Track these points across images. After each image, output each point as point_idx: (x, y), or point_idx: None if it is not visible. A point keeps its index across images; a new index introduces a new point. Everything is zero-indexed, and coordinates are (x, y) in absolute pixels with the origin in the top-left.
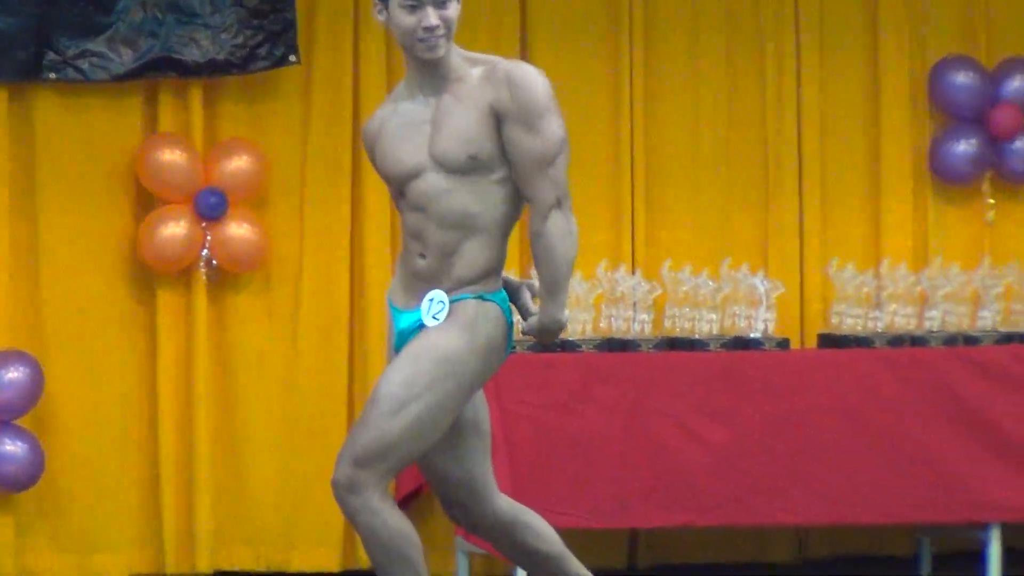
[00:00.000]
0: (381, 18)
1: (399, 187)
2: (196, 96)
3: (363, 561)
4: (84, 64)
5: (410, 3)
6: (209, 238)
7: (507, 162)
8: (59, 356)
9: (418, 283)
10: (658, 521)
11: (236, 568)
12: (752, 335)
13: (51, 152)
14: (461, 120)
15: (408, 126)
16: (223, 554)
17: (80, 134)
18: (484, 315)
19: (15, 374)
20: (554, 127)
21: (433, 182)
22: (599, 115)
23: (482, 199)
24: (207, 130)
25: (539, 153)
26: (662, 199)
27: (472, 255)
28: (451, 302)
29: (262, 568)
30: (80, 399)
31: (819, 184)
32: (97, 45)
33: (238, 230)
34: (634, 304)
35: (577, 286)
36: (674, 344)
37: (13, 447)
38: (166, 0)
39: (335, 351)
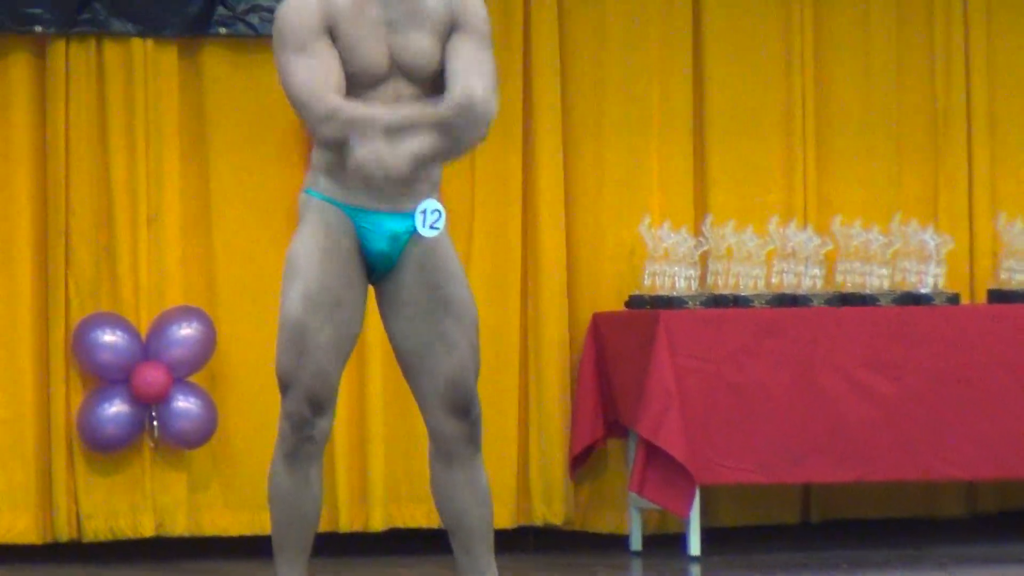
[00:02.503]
0: None
1: (362, 84)
2: None
3: (536, 516)
4: (254, 19)
5: None
6: None
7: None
8: (231, 312)
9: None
10: (828, 476)
11: (410, 525)
12: (922, 290)
13: (221, 107)
14: (424, 38)
15: (365, 22)
16: (396, 511)
17: (250, 89)
18: None
19: (188, 330)
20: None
21: (402, 89)
22: (770, 74)
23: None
24: None
25: (477, 60)
26: (833, 155)
27: None
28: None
29: (435, 526)
30: (253, 355)
31: (988, 138)
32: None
33: None
34: (805, 259)
35: (749, 241)
36: (845, 299)
37: (187, 404)
38: None
39: (508, 299)
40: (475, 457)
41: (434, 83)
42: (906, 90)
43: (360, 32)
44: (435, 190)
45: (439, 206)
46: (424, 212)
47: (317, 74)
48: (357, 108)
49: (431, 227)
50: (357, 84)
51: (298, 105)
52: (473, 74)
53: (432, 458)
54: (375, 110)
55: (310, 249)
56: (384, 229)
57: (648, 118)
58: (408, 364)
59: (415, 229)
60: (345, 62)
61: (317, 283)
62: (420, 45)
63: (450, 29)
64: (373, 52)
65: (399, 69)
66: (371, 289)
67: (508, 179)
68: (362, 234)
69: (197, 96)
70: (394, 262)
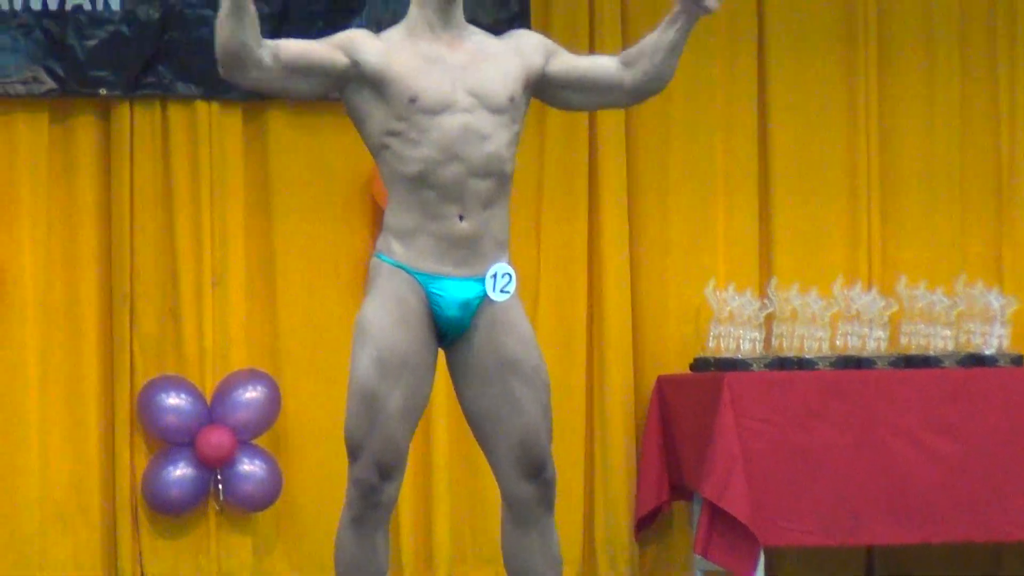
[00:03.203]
0: None
1: (419, 121)
2: None
3: None
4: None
5: None
6: None
7: (523, 120)
8: (296, 375)
9: (458, 249)
10: (892, 538)
11: None
12: (986, 351)
13: (285, 170)
14: (500, 64)
15: (429, 60)
16: (461, 572)
17: (314, 152)
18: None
19: (253, 393)
20: None
21: (470, 119)
22: (835, 132)
23: (511, 146)
24: None
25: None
26: (897, 215)
27: (503, 211)
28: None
29: None
30: (317, 418)
31: None
32: None
33: None
34: (869, 321)
35: (813, 303)
36: (909, 361)
37: (252, 467)
38: (402, 18)
39: (574, 362)
40: (548, 519)
41: (507, 113)
42: (970, 147)
43: (419, 63)
44: (504, 251)
45: (510, 269)
46: (495, 276)
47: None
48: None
49: (502, 291)
50: (421, 113)
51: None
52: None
53: (505, 521)
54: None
55: (381, 315)
56: (455, 296)
57: (713, 179)
58: (480, 428)
59: (486, 293)
60: (405, 88)
61: (388, 349)
62: (491, 73)
63: (534, 54)
64: (437, 80)
65: (475, 99)
66: (441, 352)
67: (574, 241)
68: (434, 300)
69: (261, 159)
70: (466, 327)
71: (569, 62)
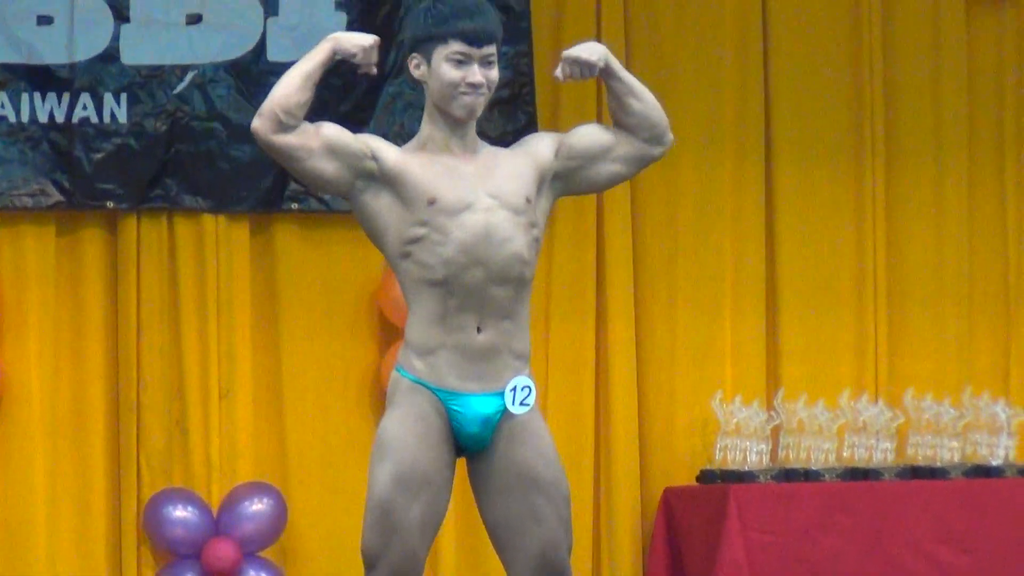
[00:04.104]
0: (418, 72)
1: (439, 224)
2: None
3: None
4: (326, 194)
5: (458, 57)
6: None
7: (542, 224)
8: (303, 487)
9: (476, 363)
10: None
11: None
12: (993, 463)
13: (293, 282)
14: (512, 167)
15: (445, 168)
16: None
17: (322, 264)
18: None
19: (260, 506)
20: None
21: (489, 217)
22: (843, 242)
23: (531, 248)
24: None
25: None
26: (904, 326)
27: (522, 323)
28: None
29: None
30: (324, 531)
31: None
32: None
33: None
34: (876, 433)
35: (820, 415)
36: (916, 472)
37: None
38: (409, 131)
39: (581, 472)
40: None
41: (526, 215)
42: (977, 258)
43: (436, 169)
44: (525, 365)
45: (529, 382)
46: (515, 389)
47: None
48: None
49: (521, 403)
50: (442, 211)
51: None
52: None
53: None
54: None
55: (402, 431)
56: (476, 412)
57: (720, 289)
58: (499, 538)
59: (506, 408)
60: (423, 190)
61: (408, 464)
62: (506, 176)
63: (544, 150)
64: (454, 181)
65: (494, 199)
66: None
67: (581, 352)
68: (453, 416)
69: (269, 271)
70: (487, 442)
71: (576, 136)
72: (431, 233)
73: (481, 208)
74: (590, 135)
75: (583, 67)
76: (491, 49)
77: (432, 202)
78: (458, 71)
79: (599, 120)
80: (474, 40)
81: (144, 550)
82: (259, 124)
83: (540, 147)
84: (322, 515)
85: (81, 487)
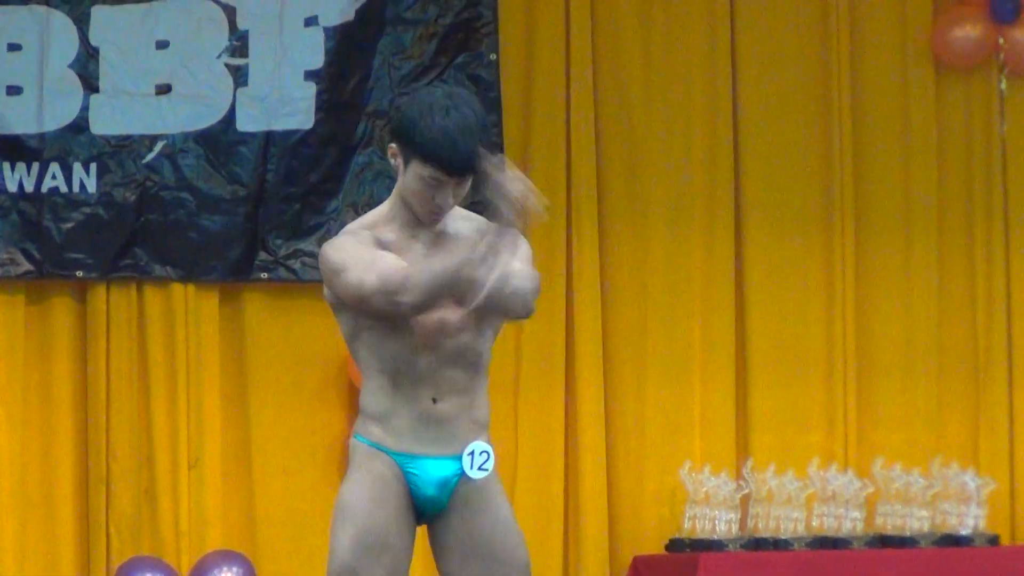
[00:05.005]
0: (393, 162)
1: (399, 319)
2: None
3: None
4: (296, 264)
5: (432, 181)
6: None
7: None
8: (272, 556)
9: (434, 429)
10: None
11: None
12: (963, 532)
13: (262, 352)
14: None
15: (413, 255)
16: None
17: (291, 334)
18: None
19: (229, 574)
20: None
21: (444, 315)
22: (812, 313)
23: (485, 337)
24: None
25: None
26: (874, 396)
27: (482, 392)
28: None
29: None
30: None
31: None
32: (308, 245)
33: None
34: (846, 502)
35: (789, 484)
36: (885, 542)
37: None
38: (378, 200)
39: (550, 541)
40: None
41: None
42: (947, 329)
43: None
44: (483, 431)
45: (487, 447)
46: (472, 454)
47: (381, 260)
48: (421, 267)
49: (479, 468)
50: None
51: (374, 292)
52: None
53: None
54: (434, 262)
55: (360, 495)
56: (432, 476)
57: (690, 359)
58: None
59: (463, 472)
60: None
61: (367, 529)
62: None
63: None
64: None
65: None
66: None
67: (550, 422)
68: (411, 480)
69: (238, 341)
70: (444, 506)
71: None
72: (383, 325)
73: (432, 307)
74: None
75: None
76: (468, 177)
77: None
78: (429, 192)
79: (568, 195)
80: (452, 172)
81: None
82: (389, 298)
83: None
84: None
85: (51, 556)
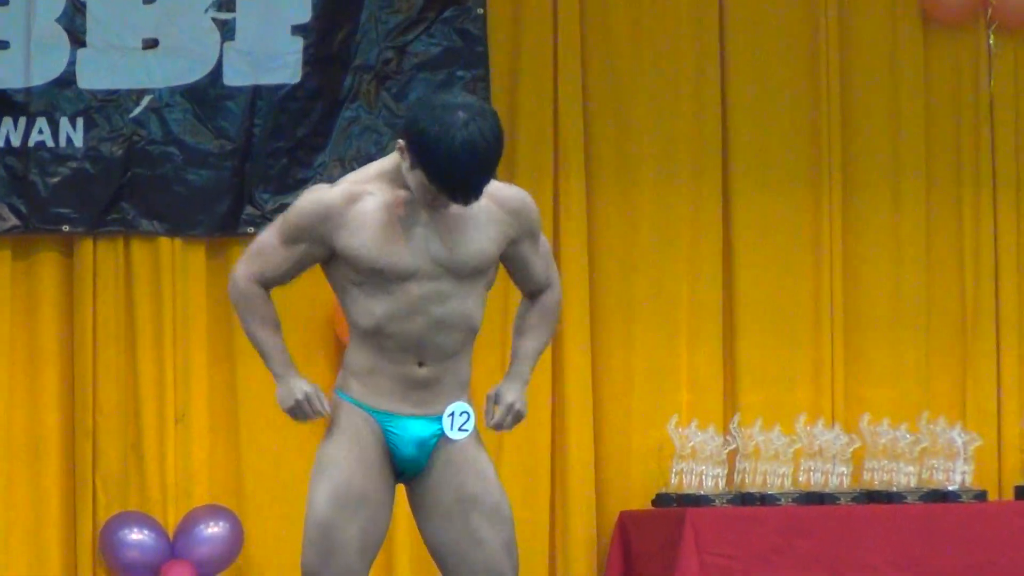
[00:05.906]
0: (401, 155)
1: (383, 283)
2: None
3: None
4: None
5: (436, 193)
6: None
7: (494, 274)
8: (259, 510)
9: (417, 391)
10: None
11: None
12: (949, 488)
13: None
14: (476, 236)
15: (398, 223)
16: None
17: (278, 288)
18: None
19: (215, 529)
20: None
21: (436, 287)
22: (800, 270)
23: (478, 304)
24: None
25: (545, 255)
26: (861, 353)
27: (466, 358)
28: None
29: None
30: (279, 554)
31: (1017, 337)
32: (295, 199)
33: None
34: (833, 458)
35: (776, 440)
36: (872, 497)
37: None
38: (365, 155)
39: (536, 498)
40: None
41: (475, 278)
42: (934, 285)
43: (388, 234)
44: (464, 392)
45: (468, 408)
46: (452, 415)
47: (271, 262)
48: (255, 311)
49: (460, 429)
50: (385, 280)
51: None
52: (553, 272)
53: None
54: (258, 330)
55: (340, 451)
56: (412, 434)
57: (677, 315)
58: (443, 562)
59: (443, 432)
60: (369, 260)
61: (345, 483)
62: (463, 243)
63: (513, 231)
64: (404, 252)
65: (442, 268)
66: (402, 488)
67: (537, 379)
68: (390, 438)
69: (224, 294)
70: (423, 466)
71: (517, 261)
72: (372, 288)
73: (427, 276)
74: (531, 266)
75: (516, 418)
76: (473, 202)
77: (379, 271)
78: (430, 196)
79: (556, 151)
80: (456, 200)
81: (100, 573)
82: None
83: (518, 226)
84: (278, 538)
85: (36, 511)
